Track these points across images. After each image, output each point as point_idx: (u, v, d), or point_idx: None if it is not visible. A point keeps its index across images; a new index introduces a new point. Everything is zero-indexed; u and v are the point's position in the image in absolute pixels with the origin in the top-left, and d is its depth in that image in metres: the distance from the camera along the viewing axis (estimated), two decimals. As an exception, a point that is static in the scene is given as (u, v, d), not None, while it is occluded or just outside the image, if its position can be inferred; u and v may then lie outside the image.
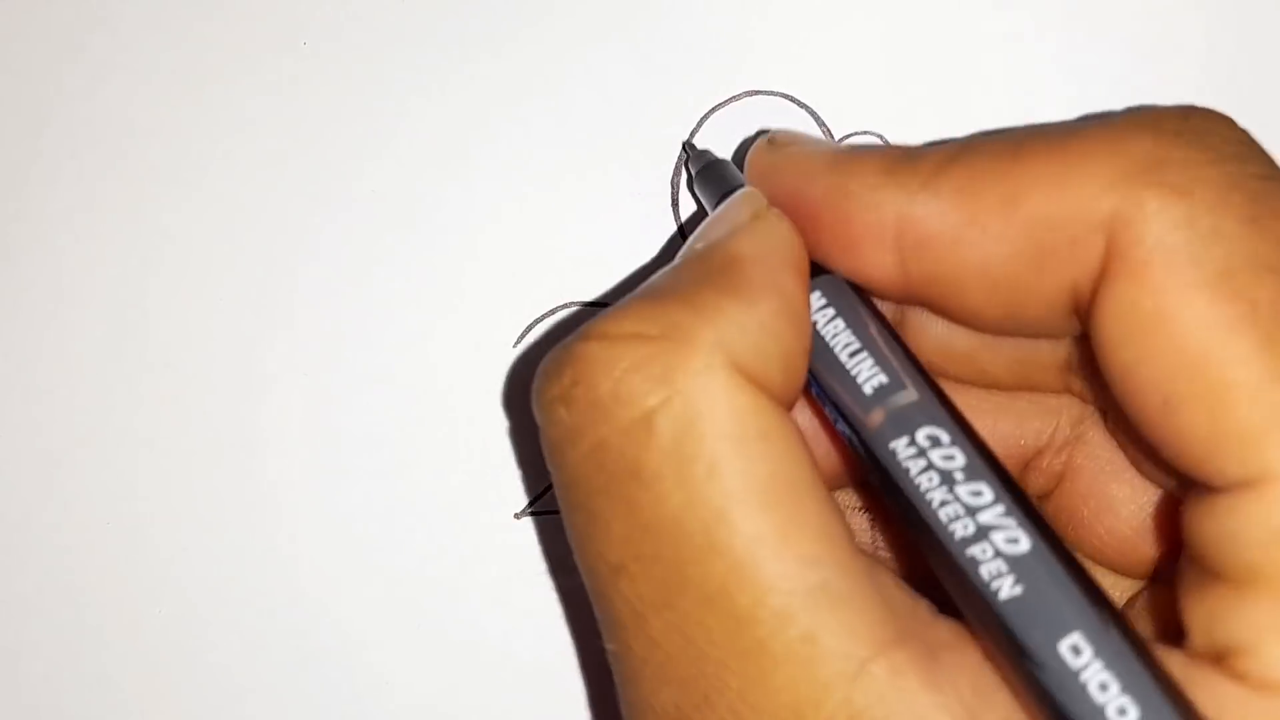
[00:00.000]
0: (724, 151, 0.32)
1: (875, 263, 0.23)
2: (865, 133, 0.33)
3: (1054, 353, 0.24)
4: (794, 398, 0.22)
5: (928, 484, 0.21)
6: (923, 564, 0.22)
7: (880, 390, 0.22)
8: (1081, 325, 0.22)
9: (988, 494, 0.20)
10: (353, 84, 0.33)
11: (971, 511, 0.20)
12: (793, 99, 0.33)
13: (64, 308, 0.33)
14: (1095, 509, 0.26)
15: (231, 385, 0.33)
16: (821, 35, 0.33)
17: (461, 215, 0.33)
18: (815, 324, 0.23)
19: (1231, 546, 0.20)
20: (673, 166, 0.32)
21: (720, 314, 0.21)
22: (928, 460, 0.21)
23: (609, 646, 0.23)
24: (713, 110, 0.33)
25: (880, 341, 0.23)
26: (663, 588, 0.21)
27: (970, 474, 0.21)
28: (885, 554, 0.28)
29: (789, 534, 0.20)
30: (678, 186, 0.32)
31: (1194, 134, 0.21)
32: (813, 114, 0.33)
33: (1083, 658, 0.19)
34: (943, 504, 0.21)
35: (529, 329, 0.32)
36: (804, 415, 0.26)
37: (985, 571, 0.20)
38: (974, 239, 0.22)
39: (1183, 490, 0.21)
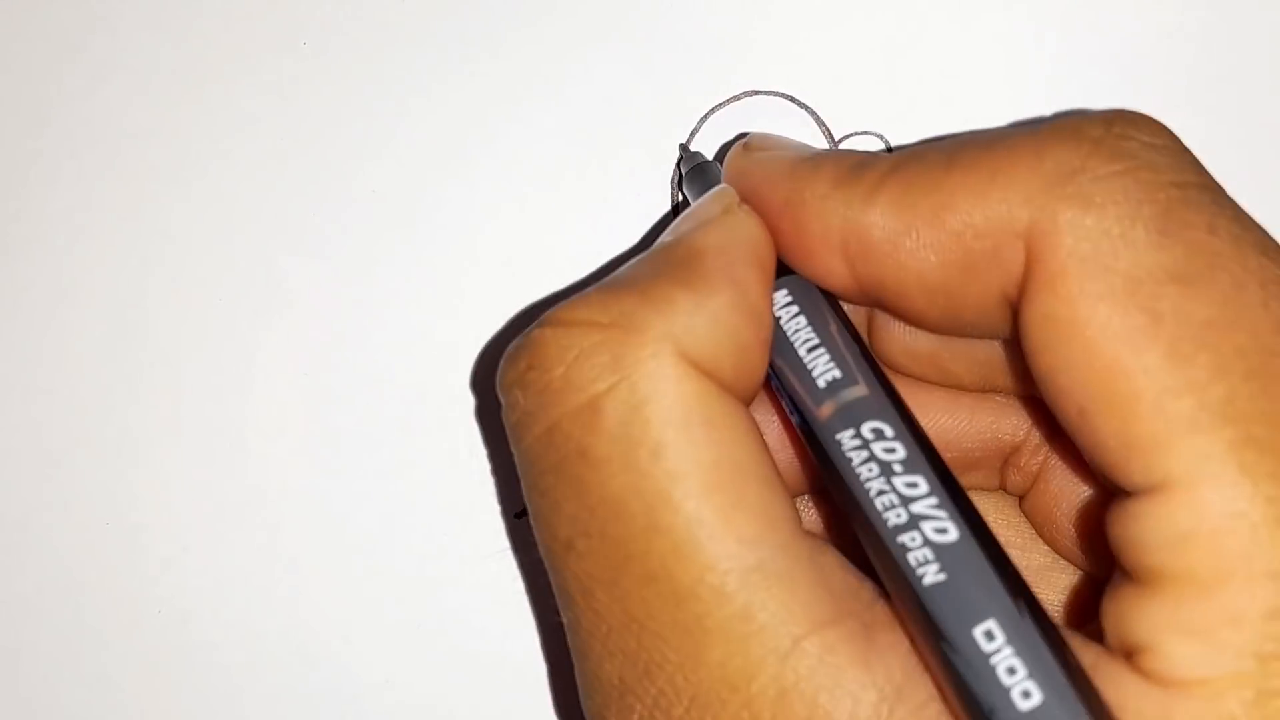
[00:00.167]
0: (724, 152, 0.32)
1: (828, 268, 0.24)
2: (865, 133, 0.33)
3: (1015, 358, 0.25)
4: (750, 388, 0.24)
5: (868, 474, 0.22)
6: (862, 553, 0.23)
7: (833, 384, 0.24)
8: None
9: (923, 486, 0.22)
10: (353, 84, 0.34)
11: (906, 501, 0.22)
12: (793, 99, 0.33)
13: (64, 308, 0.34)
14: (1067, 510, 0.27)
15: (231, 385, 0.33)
16: (821, 35, 0.33)
17: (461, 215, 0.33)
18: (779, 320, 0.25)
19: (1138, 549, 0.21)
20: (672, 167, 0.33)
21: (671, 305, 0.23)
22: (870, 452, 0.23)
23: (563, 618, 0.24)
24: (712, 110, 0.33)
25: (839, 339, 0.24)
26: (608, 565, 0.22)
27: (909, 467, 0.22)
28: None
29: (730, 516, 0.22)
30: (676, 188, 0.33)
31: (1114, 141, 0.22)
32: (813, 114, 0.33)
33: (995, 643, 0.20)
34: (880, 493, 0.22)
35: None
36: (774, 429, 0.27)
37: (913, 558, 0.21)
38: (910, 247, 0.23)
39: (1108, 493, 0.23)
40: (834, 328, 0.24)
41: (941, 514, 0.22)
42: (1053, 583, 0.28)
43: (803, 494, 0.28)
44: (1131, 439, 0.20)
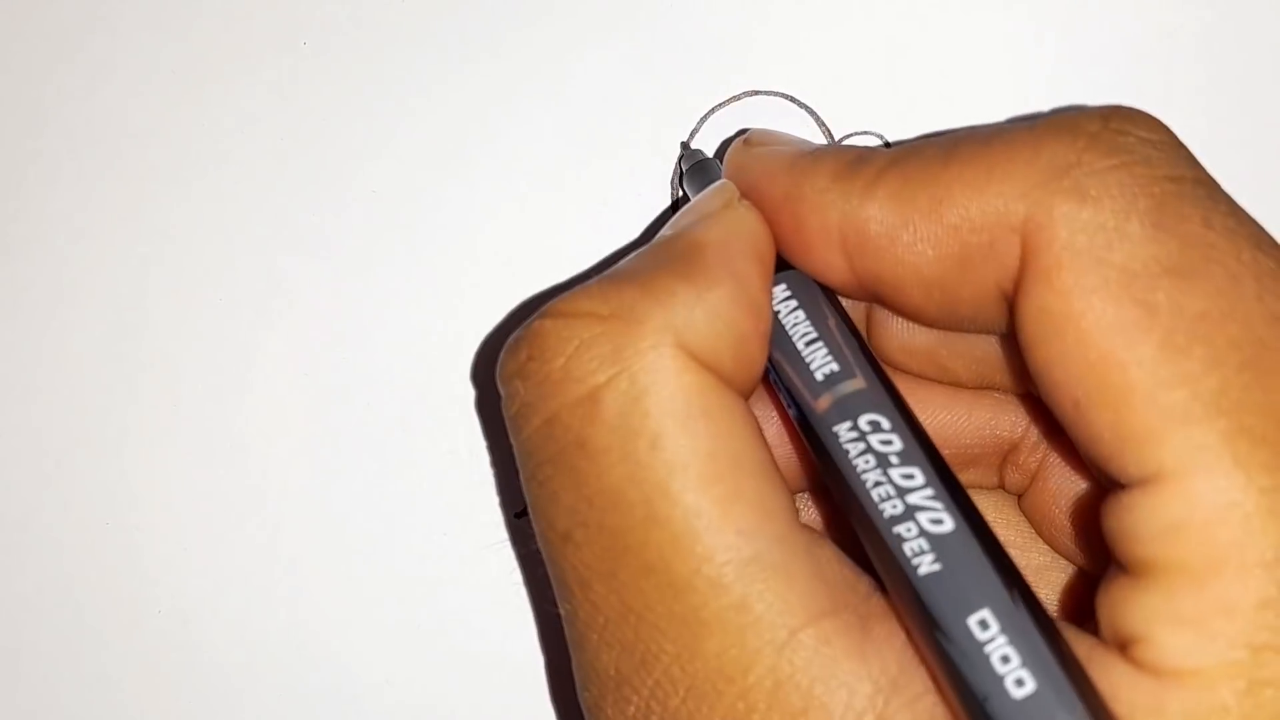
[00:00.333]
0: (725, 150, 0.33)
1: (826, 262, 0.25)
2: (865, 133, 0.33)
3: (1013, 354, 0.26)
4: (749, 381, 0.24)
5: (864, 465, 0.23)
6: (862, 551, 0.23)
7: (830, 377, 0.24)
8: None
9: (919, 478, 0.22)
10: (353, 84, 0.34)
11: (902, 493, 0.22)
12: (793, 99, 0.34)
13: (64, 308, 0.34)
14: (1065, 508, 0.28)
15: (231, 385, 0.34)
16: (821, 35, 0.34)
17: (461, 215, 0.34)
18: (778, 314, 0.25)
19: (1131, 540, 0.21)
20: (672, 165, 0.33)
21: (672, 297, 0.23)
22: (866, 444, 0.23)
23: (560, 610, 0.24)
24: (713, 110, 0.33)
25: (837, 334, 0.25)
26: (606, 556, 0.22)
27: (905, 459, 0.23)
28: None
29: (727, 507, 0.22)
30: (677, 186, 0.33)
31: (1110, 136, 0.22)
32: (813, 114, 0.33)
33: (989, 632, 0.21)
34: (876, 484, 0.22)
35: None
36: (774, 426, 0.27)
37: (908, 548, 0.22)
38: (907, 241, 0.23)
39: (1104, 488, 0.23)
40: (832, 322, 0.25)
41: (937, 505, 0.22)
42: (1052, 582, 0.28)
43: (802, 491, 0.29)
44: (1125, 431, 0.21)
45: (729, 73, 0.34)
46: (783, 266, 0.26)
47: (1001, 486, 0.29)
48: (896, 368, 0.28)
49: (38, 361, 0.34)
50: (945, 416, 0.28)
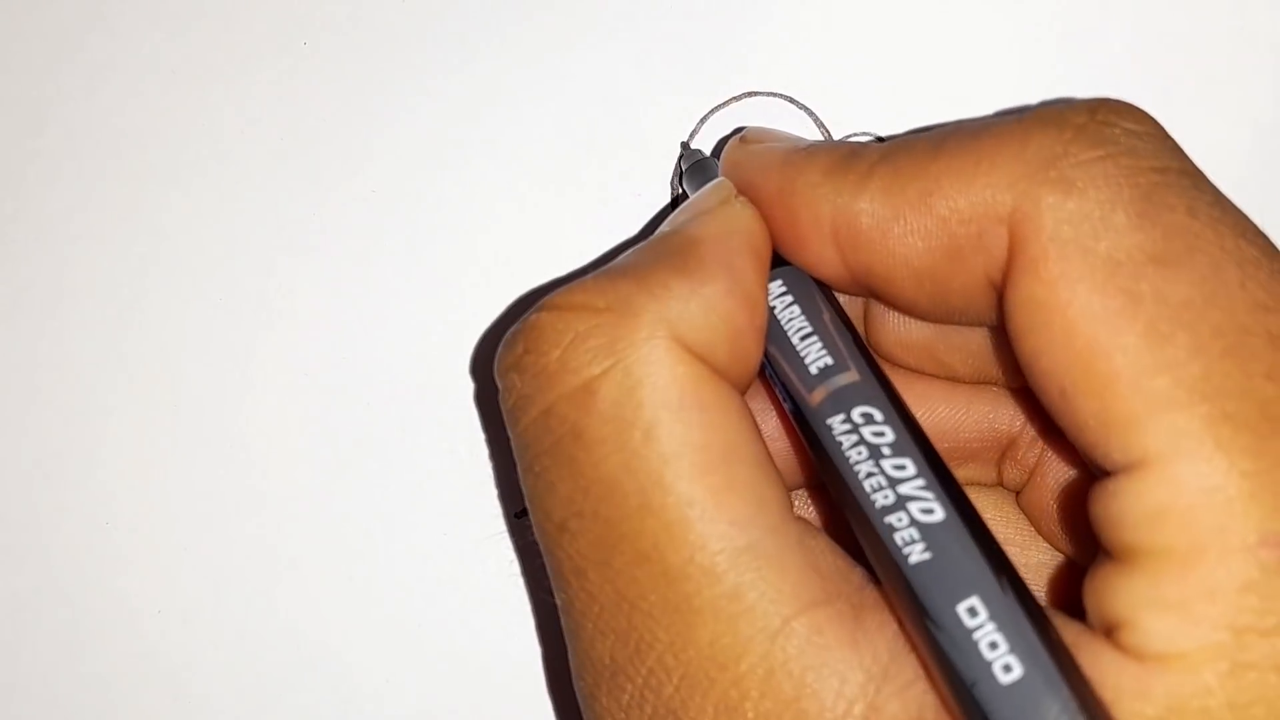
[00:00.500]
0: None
1: (820, 256, 0.25)
2: (865, 133, 0.34)
3: (1004, 347, 0.26)
4: (744, 374, 0.25)
5: (857, 457, 0.23)
6: (857, 546, 0.24)
7: (824, 371, 0.25)
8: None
9: (911, 468, 0.23)
10: (352, 84, 0.34)
11: (894, 483, 0.23)
12: (793, 99, 0.34)
13: (63, 308, 0.34)
14: (1062, 503, 0.28)
15: (231, 385, 0.34)
16: (821, 35, 0.34)
17: (461, 214, 0.34)
18: (773, 309, 0.26)
19: (1116, 526, 0.22)
20: (671, 166, 0.34)
21: (667, 290, 0.24)
22: (859, 435, 0.23)
23: (556, 600, 0.25)
24: (712, 111, 0.34)
25: (831, 328, 0.25)
26: (600, 545, 0.23)
27: (897, 450, 0.23)
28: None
29: (721, 497, 0.22)
30: (677, 186, 0.34)
31: (1096, 128, 0.23)
32: (812, 114, 0.34)
33: (978, 619, 0.21)
34: (868, 475, 0.23)
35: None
36: (771, 422, 0.28)
37: (899, 538, 0.22)
38: (898, 233, 0.24)
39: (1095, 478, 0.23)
40: (827, 316, 0.25)
41: (928, 495, 0.22)
42: (1051, 578, 0.29)
43: (800, 488, 0.29)
44: (1110, 418, 0.21)
45: (729, 73, 0.34)
46: (779, 262, 0.26)
47: (1000, 483, 0.29)
48: (894, 363, 0.28)
49: (37, 361, 0.34)
50: (943, 411, 0.28)
